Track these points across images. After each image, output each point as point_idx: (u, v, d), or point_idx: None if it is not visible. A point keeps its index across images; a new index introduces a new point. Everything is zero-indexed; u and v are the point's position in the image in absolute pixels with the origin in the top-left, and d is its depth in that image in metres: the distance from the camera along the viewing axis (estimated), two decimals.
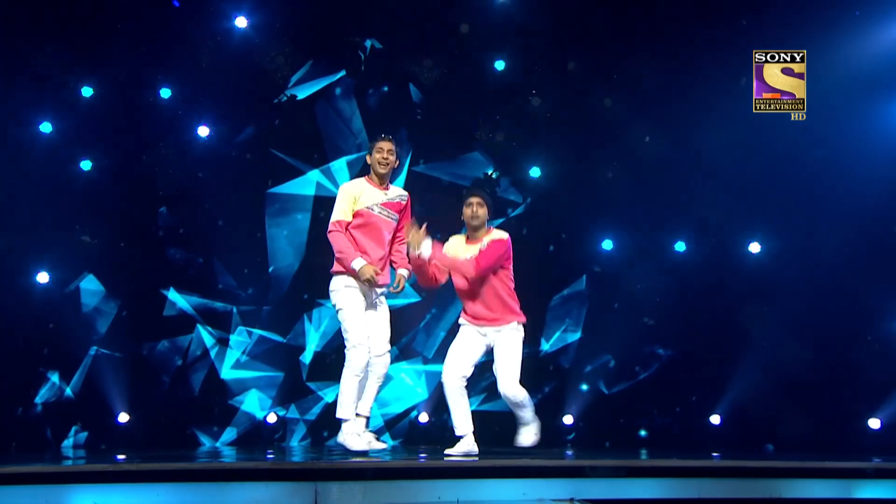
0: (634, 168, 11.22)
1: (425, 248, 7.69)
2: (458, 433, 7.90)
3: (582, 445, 10.88)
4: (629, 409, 11.19)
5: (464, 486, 6.47)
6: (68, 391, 10.59)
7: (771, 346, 10.90)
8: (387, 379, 8.16)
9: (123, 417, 10.63)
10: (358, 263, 7.70)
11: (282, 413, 10.93)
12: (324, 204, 10.94)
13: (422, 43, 11.46)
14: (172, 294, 10.96)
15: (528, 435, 8.20)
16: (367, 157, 8.17)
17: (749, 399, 10.83)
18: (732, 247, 11.11)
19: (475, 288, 7.86)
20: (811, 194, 10.65)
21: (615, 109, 11.29)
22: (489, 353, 8.05)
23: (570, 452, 9.27)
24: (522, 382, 7.95)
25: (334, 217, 7.87)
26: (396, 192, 8.17)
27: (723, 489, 6.84)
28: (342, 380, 7.83)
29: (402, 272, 8.09)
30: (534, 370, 11.06)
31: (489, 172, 11.40)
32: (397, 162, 8.12)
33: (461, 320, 8.08)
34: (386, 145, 8.02)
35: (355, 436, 7.78)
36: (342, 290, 7.85)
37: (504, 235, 7.98)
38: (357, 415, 7.89)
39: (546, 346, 11.29)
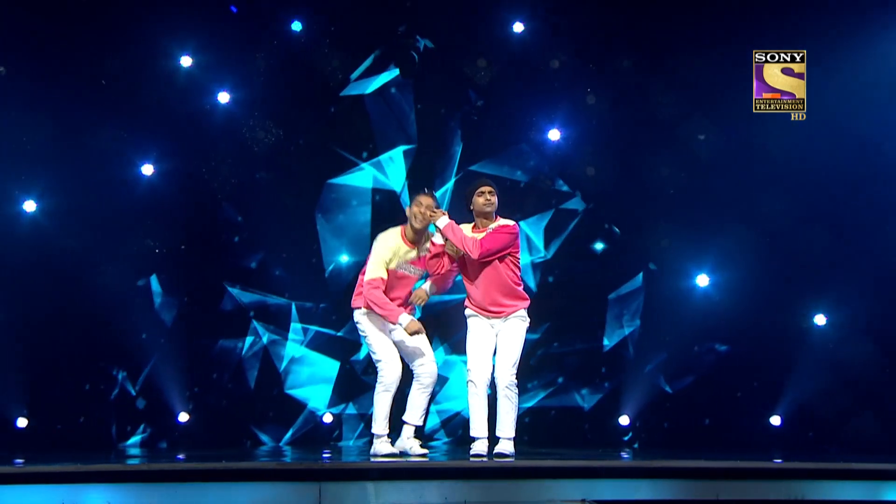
0: (690, 165, 11.10)
1: (441, 220, 7.79)
2: (474, 434, 7.82)
3: (640, 446, 10.81)
4: (687, 410, 11.03)
5: (472, 486, 6.45)
6: (132, 390, 10.89)
7: (836, 344, 10.68)
8: (437, 385, 8.28)
9: (183, 417, 10.89)
10: (404, 320, 7.82)
11: (336, 411, 11.09)
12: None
13: (476, 42, 11.48)
14: (234, 291, 11.22)
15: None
16: (407, 210, 8.17)
17: (812, 399, 10.64)
18: (795, 243, 10.87)
19: (480, 276, 7.80)
20: (879, 189, 10.50)
21: (670, 106, 11.14)
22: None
23: (625, 454, 9.18)
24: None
25: (372, 274, 7.90)
26: (426, 246, 8.12)
27: (741, 490, 6.68)
28: (375, 395, 8.01)
29: (424, 286, 8.11)
30: (588, 368, 11.16)
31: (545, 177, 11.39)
32: (433, 216, 7.96)
33: (467, 311, 7.97)
34: (426, 200, 7.98)
35: (385, 445, 7.87)
36: (364, 318, 8.03)
37: (512, 223, 7.94)
38: (404, 422, 8.01)
39: (606, 343, 11.24)
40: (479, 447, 7.76)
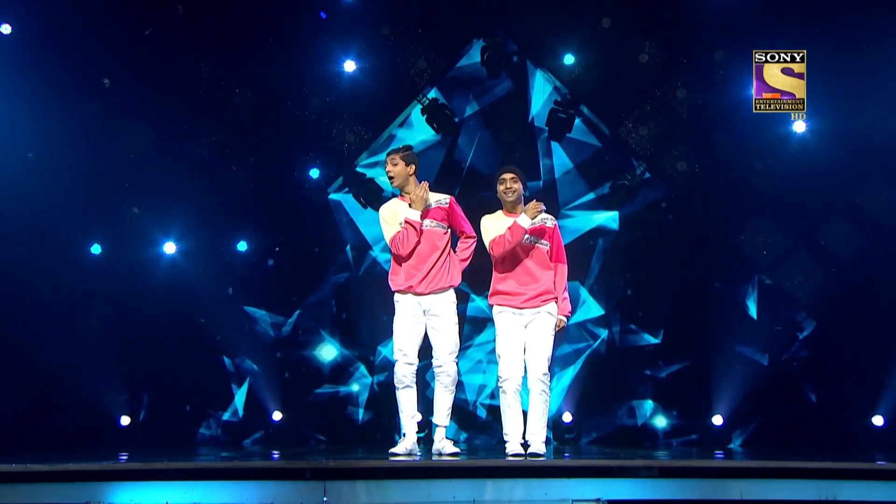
0: (782, 159, 10.82)
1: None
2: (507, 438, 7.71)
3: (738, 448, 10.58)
4: (786, 408, 10.75)
5: (481, 485, 6.40)
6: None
7: None
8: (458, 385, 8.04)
9: (277, 416, 11.27)
10: (412, 214, 7.80)
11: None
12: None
13: (564, 38, 11.43)
14: None
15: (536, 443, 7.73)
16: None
17: None
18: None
19: (516, 265, 7.75)
20: None
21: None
22: None
23: (719, 453, 9.00)
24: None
25: (388, 236, 7.90)
26: (434, 197, 7.98)
27: (765, 491, 6.43)
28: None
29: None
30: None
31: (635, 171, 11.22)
32: (401, 175, 7.91)
33: (497, 307, 7.81)
34: (386, 158, 8.05)
35: (401, 446, 7.80)
36: (397, 304, 7.93)
37: (552, 218, 7.88)
38: (434, 425, 7.95)
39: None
40: (513, 447, 7.68)
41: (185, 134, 11.37)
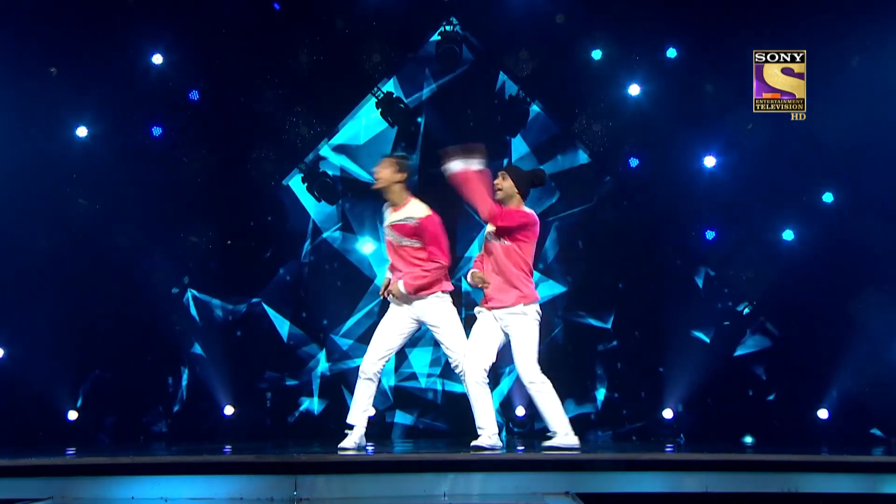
0: (738, 156, 10.97)
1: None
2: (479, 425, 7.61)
3: (687, 440, 10.71)
4: (733, 403, 10.96)
5: (451, 479, 6.41)
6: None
7: (884, 337, 10.39)
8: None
9: (229, 410, 11.16)
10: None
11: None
12: None
13: (517, 35, 11.43)
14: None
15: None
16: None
17: (860, 392, 10.42)
18: (843, 232, 10.71)
19: (489, 268, 7.71)
20: None
21: (716, 95, 10.99)
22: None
23: (670, 447, 9.13)
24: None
25: None
26: (409, 212, 7.75)
27: (731, 483, 6.54)
28: None
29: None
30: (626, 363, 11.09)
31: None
32: (385, 180, 7.74)
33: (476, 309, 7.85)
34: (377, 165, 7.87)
35: (350, 440, 7.73)
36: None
37: (531, 211, 7.78)
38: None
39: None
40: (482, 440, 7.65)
41: (136, 124, 11.18)
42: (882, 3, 10.26)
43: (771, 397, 10.91)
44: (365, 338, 10.80)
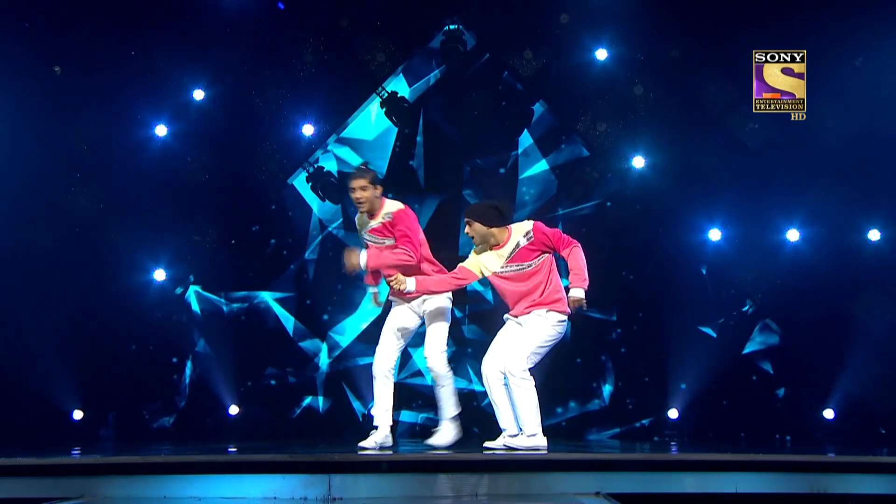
0: (740, 155, 10.97)
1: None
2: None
3: (686, 439, 10.71)
4: (738, 402, 10.97)
5: (482, 479, 6.40)
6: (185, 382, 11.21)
7: (889, 337, 10.47)
8: (447, 380, 7.89)
9: (234, 410, 11.16)
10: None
11: None
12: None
13: (522, 34, 11.45)
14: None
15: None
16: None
17: (866, 392, 10.46)
18: (849, 234, 10.77)
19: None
20: None
21: (719, 95, 11.03)
22: None
23: (674, 446, 9.14)
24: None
25: None
26: (384, 211, 7.82)
27: (760, 484, 6.57)
28: None
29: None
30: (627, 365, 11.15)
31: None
32: (370, 200, 7.75)
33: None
34: (352, 183, 7.81)
35: (371, 439, 7.78)
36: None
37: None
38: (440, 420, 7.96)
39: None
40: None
41: (140, 124, 11.14)
42: (882, 3, 10.27)
43: (778, 395, 10.92)
44: (368, 335, 10.93)
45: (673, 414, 10.94)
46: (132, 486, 6.33)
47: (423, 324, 7.97)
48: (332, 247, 11.45)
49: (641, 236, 11.27)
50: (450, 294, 7.95)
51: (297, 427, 11.23)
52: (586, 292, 7.54)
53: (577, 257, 7.56)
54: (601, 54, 11.21)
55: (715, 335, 11.06)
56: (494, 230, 7.69)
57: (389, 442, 7.81)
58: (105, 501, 6.23)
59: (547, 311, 7.59)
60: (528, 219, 7.92)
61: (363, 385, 11.15)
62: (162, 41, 11.10)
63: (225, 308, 11.34)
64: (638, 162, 11.22)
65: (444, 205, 11.43)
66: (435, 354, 7.81)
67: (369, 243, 7.87)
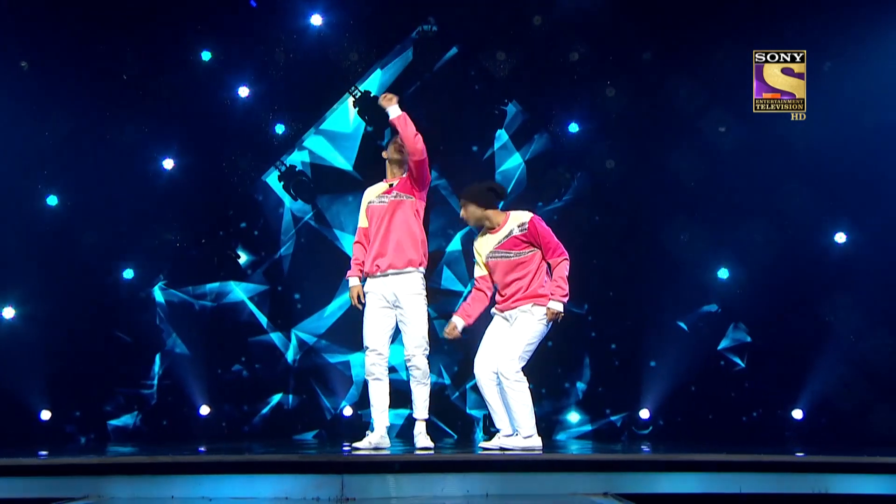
0: (710, 158, 11.07)
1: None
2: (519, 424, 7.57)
3: (659, 440, 10.80)
4: (708, 403, 11.10)
5: (492, 479, 6.39)
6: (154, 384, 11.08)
7: (856, 338, 10.69)
8: (427, 378, 7.76)
9: (205, 410, 11.05)
10: (350, 282, 7.78)
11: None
12: None
13: (495, 35, 11.49)
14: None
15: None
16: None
17: (833, 392, 10.63)
18: (816, 237, 10.93)
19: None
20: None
21: (690, 98, 11.12)
22: None
23: (646, 447, 9.20)
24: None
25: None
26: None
27: (763, 484, 6.63)
28: None
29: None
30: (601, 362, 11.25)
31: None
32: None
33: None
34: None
35: (366, 440, 7.74)
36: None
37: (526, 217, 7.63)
38: (414, 419, 7.84)
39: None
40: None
41: (108, 120, 11.01)
42: (882, 3, 10.40)
43: (746, 398, 11.08)
44: (338, 332, 10.91)
45: (644, 414, 11.08)
46: (138, 485, 6.21)
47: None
48: (307, 241, 11.47)
49: (613, 234, 11.39)
50: (424, 291, 7.80)
51: (268, 424, 11.22)
52: (565, 306, 7.53)
53: (562, 269, 7.54)
54: (574, 56, 11.29)
55: (686, 329, 11.19)
56: (490, 213, 7.65)
57: (386, 443, 7.72)
58: (110, 501, 6.10)
59: (532, 306, 7.54)
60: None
61: (334, 382, 11.27)
62: (131, 39, 10.99)
63: (196, 305, 11.27)
64: (610, 163, 11.31)
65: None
66: (419, 352, 7.70)
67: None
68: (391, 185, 7.78)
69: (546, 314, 7.50)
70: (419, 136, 7.54)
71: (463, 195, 7.75)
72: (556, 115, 11.54)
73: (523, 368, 7.52)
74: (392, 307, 7.70)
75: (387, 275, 7.64)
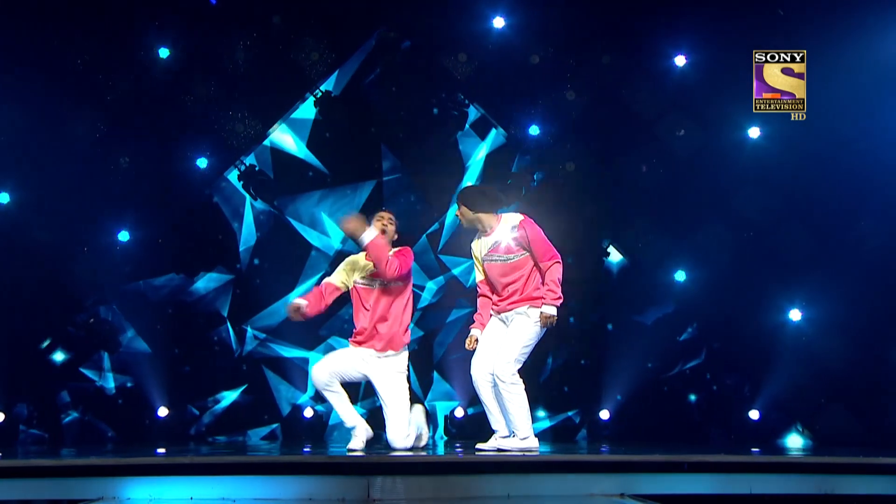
0: (668, 161, 11.22)
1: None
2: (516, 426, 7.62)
3: (621, 441, 10.88)
4: (666, 405, 11.22)
5: (513, 480, 6.39)
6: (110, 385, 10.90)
7: (810, 343, 10.89)
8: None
9: (163, 412, 10.88)
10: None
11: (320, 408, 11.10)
12: None
13: (456, 37, 11.46)
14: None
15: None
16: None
17: (789, 394, 10.83)
18: (770, 242, 11.04)
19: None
20: (858, 186, 10.55)
21: (649, 102, 11.23)
22: None
23: (605, 447, 9.27)
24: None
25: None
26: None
27: (774, 485, 6.73)
28: None
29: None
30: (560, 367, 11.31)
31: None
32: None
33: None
34: (386, 214, 8.04)
35: (356, 441, 7.83)
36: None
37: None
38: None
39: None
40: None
41: (64, 120, 10.77)
42: (882, 3, 10.43)
43: (704, 398, 11.24)
44: (295, 327, 10.80)
45: (605, 415, 11.16)
46: (156, 486, 6.07)
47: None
48: (268, 237, 11.42)
49: (574, 237, 11.38)
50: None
51: (225, 419, 11.19)
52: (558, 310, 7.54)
53: (555, 273, 7.52)
54: (534, 59, 11.34)
55: (648, 324, 11.33)
56: (481, 216, 7.63)
57: (371, 433, 7.85)
58: (126, 502, 5.94)
59: (528, 308, 7.53)
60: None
61: (293, 376, 11.30)
62: (90, 36, 10.79)
63: (153, 306, 11.13)
64: (570, 166, 11.39)
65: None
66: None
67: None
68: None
69: (539, 318, 7.50)
70: (392, 261, 7.65)
71: (458, 197, 7.78)
72: (516, 117, 11.53)
73: (519, 371, 7.50)
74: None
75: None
